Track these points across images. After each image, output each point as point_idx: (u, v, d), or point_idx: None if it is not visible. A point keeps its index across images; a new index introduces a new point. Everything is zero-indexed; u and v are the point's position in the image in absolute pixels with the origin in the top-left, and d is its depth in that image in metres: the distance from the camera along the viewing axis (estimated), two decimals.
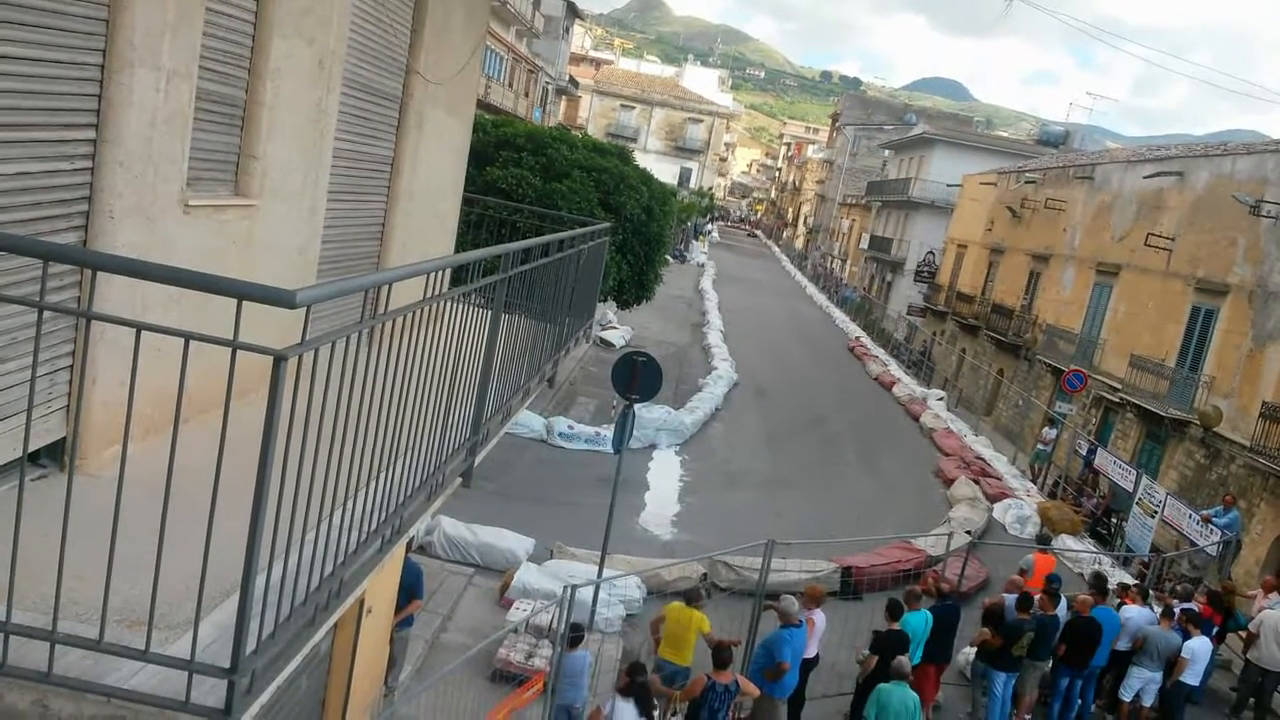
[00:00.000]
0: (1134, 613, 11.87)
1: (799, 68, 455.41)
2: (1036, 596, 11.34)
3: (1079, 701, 11.72)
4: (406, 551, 9.52)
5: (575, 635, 9.36)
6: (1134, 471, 19.36)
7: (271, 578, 2.78)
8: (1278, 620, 12.20)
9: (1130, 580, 14.99)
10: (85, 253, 3.52)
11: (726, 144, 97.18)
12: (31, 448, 3.56)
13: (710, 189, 79.86)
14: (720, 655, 8.81)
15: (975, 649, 11.68)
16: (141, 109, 3.84)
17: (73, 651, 2.61)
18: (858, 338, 43.91)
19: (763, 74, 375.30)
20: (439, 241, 8.11)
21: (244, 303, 2.45)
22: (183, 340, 2.48)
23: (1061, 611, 11.53)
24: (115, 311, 3.65)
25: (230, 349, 2.46)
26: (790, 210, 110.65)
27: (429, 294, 3.70)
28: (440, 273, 3.87)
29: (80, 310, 3.48)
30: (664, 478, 19.85)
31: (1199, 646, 11.34)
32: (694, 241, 73.68)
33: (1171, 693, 11.42)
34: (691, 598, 10.18)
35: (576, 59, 76.09)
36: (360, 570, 3.53)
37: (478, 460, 5.23)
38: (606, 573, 11.96)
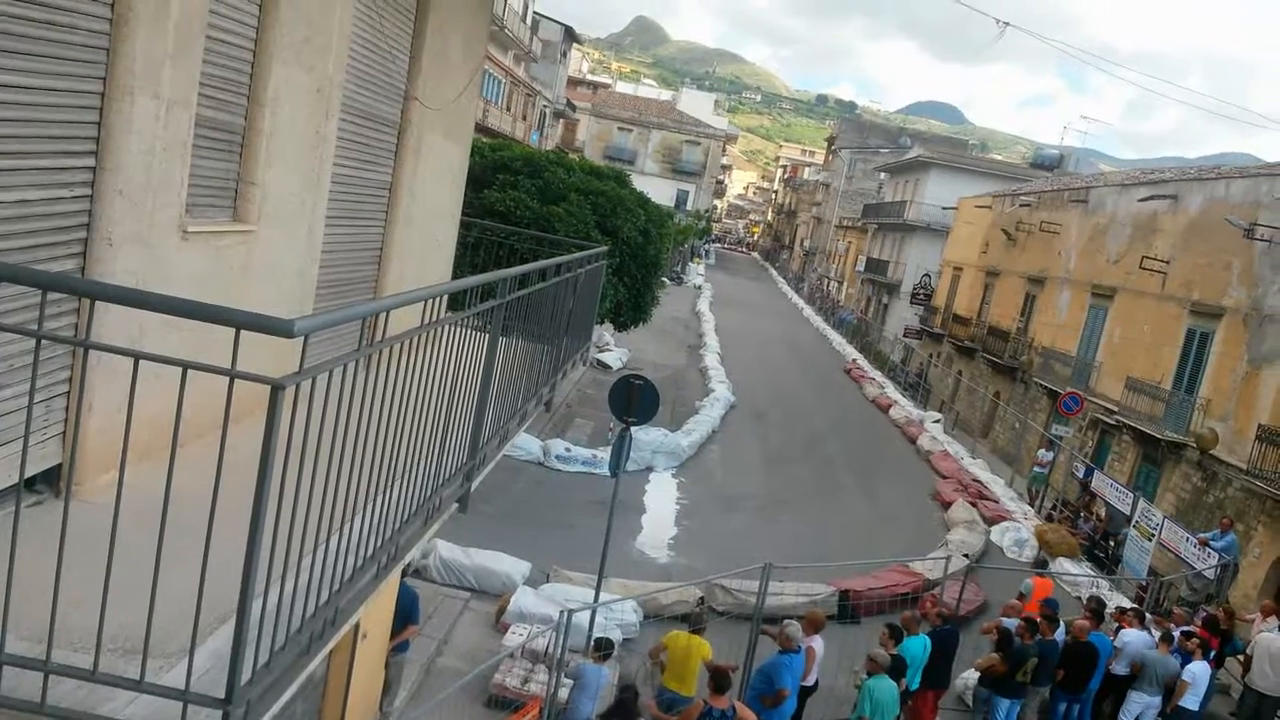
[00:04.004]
0: (1132, 636, 11.83)
1: (795, 91, 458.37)
2: (1039, 621, 11.31)
3: None
4: (402, 576, 9.48)
5: (605, 653, 9.68)
6: (1131, 494, 19.35)
7: (267, 605, 2.78)
8: (1271, 643, 12.16)
9: (1128, 604, 14.95)
10: (85, 282, 3.52)
11: (723, 166, 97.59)
12: (28, 474, 3.55)
13: (708, 211, 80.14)
14: (718, 681, 8.76)
15: (977, 674, 11.64)
16: (141, 136, 3.86)
17: (67, 680, 2.60)
18: (854, 360, 43.98)
19: (759, 97, 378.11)
20: (437, 265, 8.13)
21: (242, 330, 2.46)
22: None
23: (1059, 636, 11.49)
24: (113, 337, 3.66)
25: (228, 378, 2.47)
26: (787, 233, 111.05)
27: (426, 320, 3.71)
28: (438, 298, 3.89)
29: (78, 340, 3.48)
30: (661, 501, 19.80)
31: (1199, 671, 11.30)
32: (691, 264, 73.87)
33: (1172, 718, 11.37)
34: (694, 623, 10.16)
35: (574, 82, 76.52)
36: (356, 597, 3.52)
37: (474, 485, 5.22)
38: (603, 596, 11.92)
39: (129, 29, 3.69)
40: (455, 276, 8.66)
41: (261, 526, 2.54)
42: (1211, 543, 16.39)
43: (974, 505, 21.49)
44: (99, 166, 3.74)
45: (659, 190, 57.13)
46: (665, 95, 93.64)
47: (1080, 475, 22.40)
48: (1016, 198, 35.56)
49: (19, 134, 3.38)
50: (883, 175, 63.42)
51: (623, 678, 11.36)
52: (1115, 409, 23.41)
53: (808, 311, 65.31)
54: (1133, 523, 18.37)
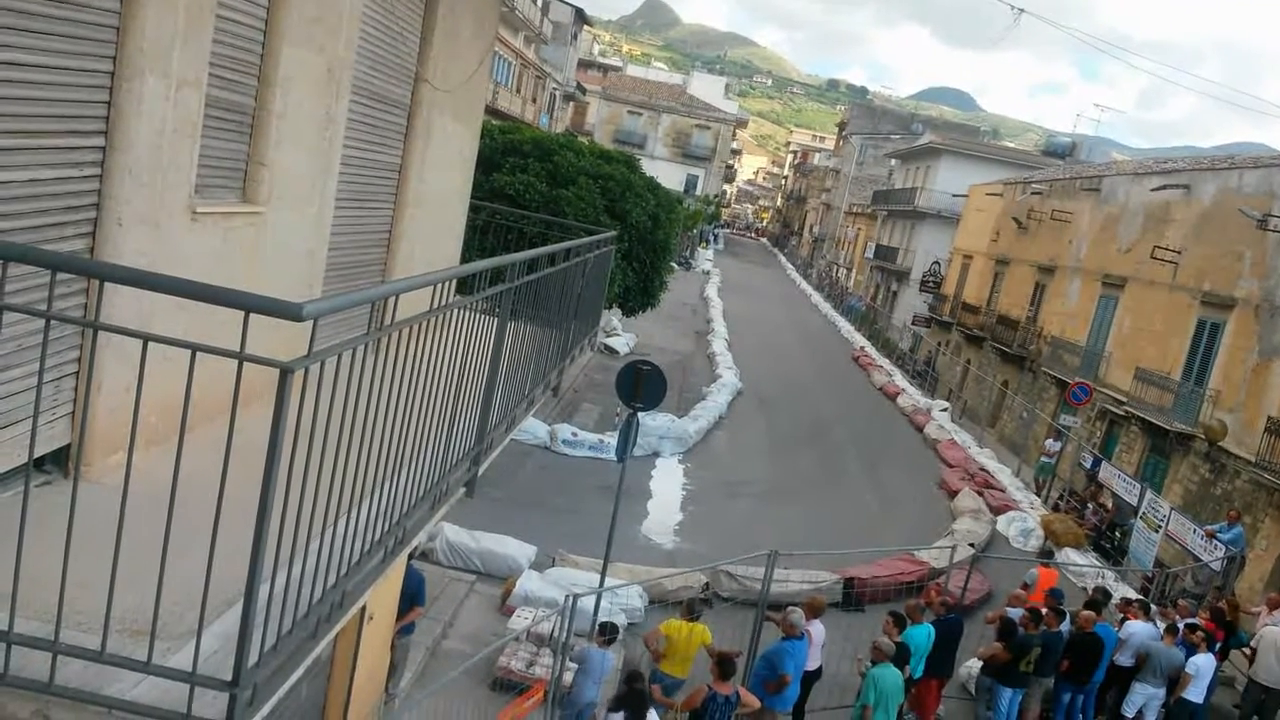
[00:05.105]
0: (1137, 628, 11.82)
1: (806, 76, 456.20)
2: (1044, 611, 11.29)
3: (1080, 717, 11.68)
4: (409, 559, 9.51)
5: (610, 637, 9.61)
6: (1138, 485, 19.30)
7: (274, 588, 2.78)
8: (1277, 637, 12.15)
9: (1133, 595, 14.94)
10: (94, 263, 3.52)
11: (733, 151, 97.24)
12: (36, 454, 3.55)
13: (717, 196, 79.92)
14: (723, 667, 8.78)
15: (980, 663, 11.64)
16: (151, 117, 3.84)
17: (74, 661, 2.61)
18: (862, 347, 43.87)
19: (770, 82, 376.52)
20: (446, 248, 8.11)
21: (251, 313, 2.45)
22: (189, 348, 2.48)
23: (1064, 627, 11.48)
24: (122, 317, 3.65)
25: (237, 361, 2.46)
26: (796, 218, 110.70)
27: (435, 304, 3.70)
28: (447, 282, 3.87)
29: (87, 320, 3.48)
30: (667, 486, 19.81)
31: (1203, 663, 11.28)
32: (699, 249, 73.75)
33: (1175, 709, 11.37)
34: (691, 610, 10.15)
35: (584, 65, 76.18)
36: (363, 581, 3.52)
37: (481, 470, 5.22)
38: (608, 581, 11.94)
39: (139, 7, 3.67)
40: (464, 260, 8.65)
41: (270, 510, 2.54)
42: (1218, 535, 16.35)
43: (980, 494, 21.46)
44: (108, 146, 3.73)
45: (668, 175, 56.99)
46: (676, 79, 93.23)
47: (1087, 466, 22.34)
48: (1028, 186, 35.36)
49: (29, 113, 3.37)
50: (893, 161, 63.11)
51: (628, 663, 11.39)
52: (1124, 399, 23.34)
53: (816, 298, 65.11)
54: (1139, 514, 18.33)
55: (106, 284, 2.62)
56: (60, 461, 3.84)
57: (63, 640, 2.56)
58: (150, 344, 2.51)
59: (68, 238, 3.66)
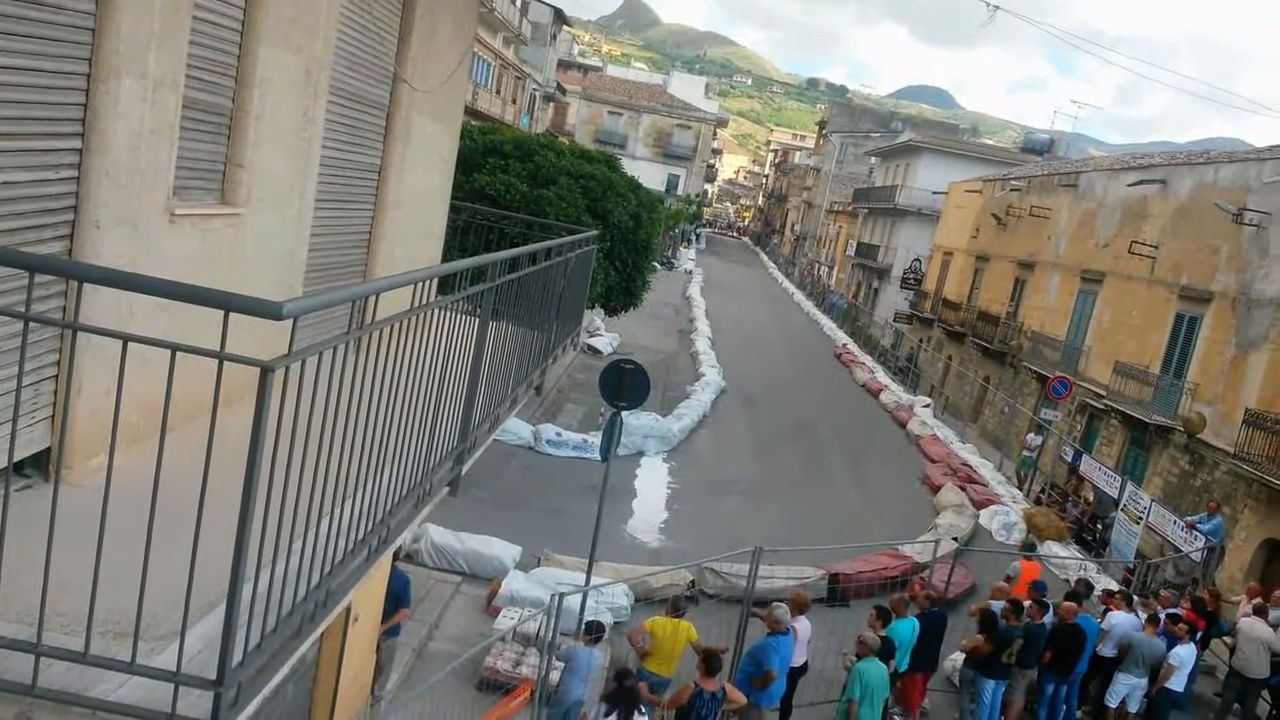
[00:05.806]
0: (1119, 619, 11.92)
1: (785, 75, 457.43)
2: (1027, 603, 11.37)
3: (1064, 708, 11.77)
4: (394, 560, 9.49)
5: (596, 636, 9.61)
6: (1119, 478, 19.46)
7: (258, 588, 2.78)
8: (1252, 627, 12.29)
9: (1115, 587, 15.06)
10: (73, 264, 3.51)
11: (714, 150, 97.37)
12: (16, 458, 3.53)
13: (699, 195, 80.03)
14: (709, 663, 8.80)
15: (963, 656, 11.71)
16: (128, 118, 3.83)
17: (58, 663, 2.60)
18: (844, 344, 44.06)
19: (750, 81, 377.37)
20: (426, 248, 8.11)
21: (231, 313, 2.45)
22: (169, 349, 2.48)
23: (1047, 619, 11.57)
24: (101, 319, 3.64)
25: (217, 360, 2.46)
26: (777, 217, 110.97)
27: (416, 303, 3.70)
28: (428, 282, 3.88)
29: (66, 322, 3.47)
30: (651, 485, 19.84)
31: (1185, 654, 11.39)
32: (681, 248, 73.84)
33: (1158, 699, 11.48)
34: (676, 607, 10.17)
35: (564, 65, 76.11)
36: (347, 580, 3.52)
37: (465, 469, 5.22)
38: (594, 580, 11.95)
39: (114, 9, 3.65)
40: (445, 260, 8.64)
41: (252, 509, 2.54)
42: (1198, 526, 16.51)
43: (963, 489, 21.58)
44: (85, 148, 3.71)
45: (649, 174, 57.02)
46: (656, 79, 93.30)
47: (1069, 459, 22.51)
48: (1007, 182, 35.59)
49: (4, 115, 3.35)
50: (873, 159, 63.34)
51: (615, 662, 11.40)
52: (1104, 393, 23.52)
53: (798, 296, 65.31)
54: (1120, 506, 18.49)
55: (85, 285, 2.62)
56: (40, 465, 3.82)
57: (45, 642, 2.55)
58: (130, 345, 2.51)
59: (46, 240, 3.64)
